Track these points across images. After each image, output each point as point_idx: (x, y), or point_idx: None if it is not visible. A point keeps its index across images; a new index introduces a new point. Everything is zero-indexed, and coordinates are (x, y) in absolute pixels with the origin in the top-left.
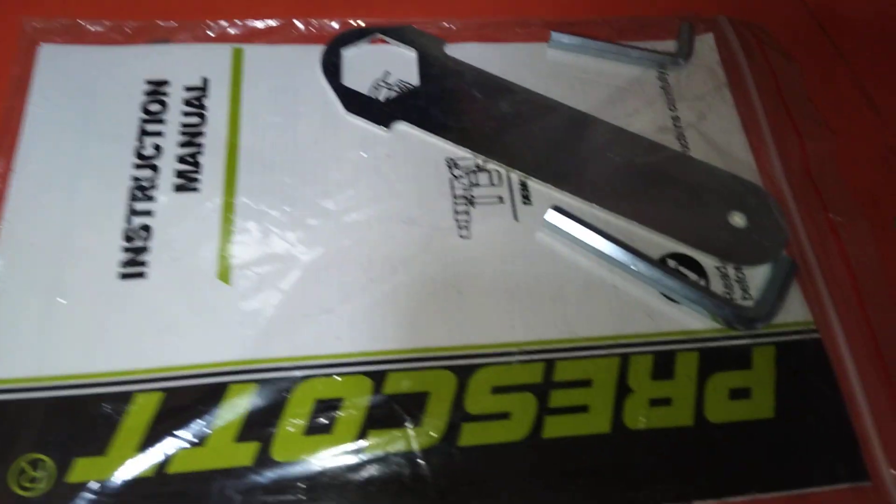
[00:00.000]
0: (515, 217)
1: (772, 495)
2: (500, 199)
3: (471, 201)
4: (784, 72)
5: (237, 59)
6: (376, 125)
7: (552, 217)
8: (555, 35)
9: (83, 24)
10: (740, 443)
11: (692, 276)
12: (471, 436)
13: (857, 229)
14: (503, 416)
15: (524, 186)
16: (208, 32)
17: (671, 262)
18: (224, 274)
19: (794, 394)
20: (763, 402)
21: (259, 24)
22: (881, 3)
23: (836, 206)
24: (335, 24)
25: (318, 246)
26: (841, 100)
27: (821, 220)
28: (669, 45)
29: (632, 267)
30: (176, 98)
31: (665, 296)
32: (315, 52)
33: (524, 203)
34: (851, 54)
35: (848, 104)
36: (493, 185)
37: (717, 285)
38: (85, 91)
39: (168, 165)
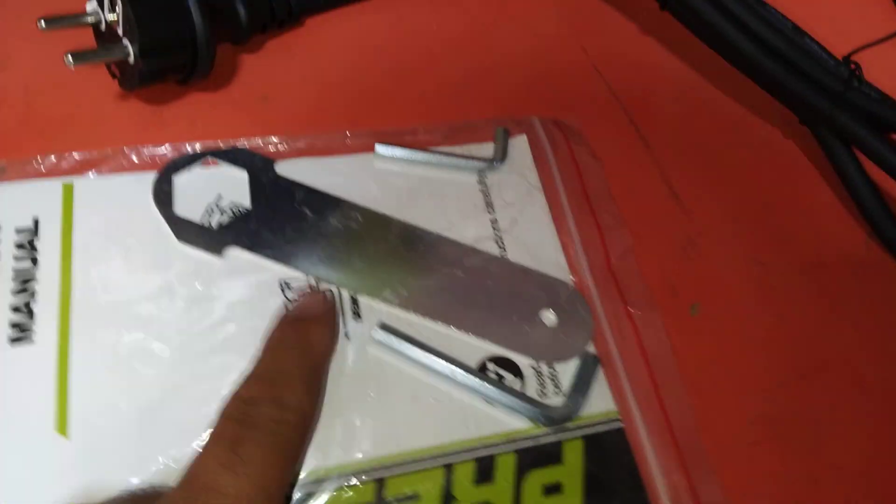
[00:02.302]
0: (347, 335)
1: None
2: None
3: None
4: (589, 168)
5: (68, 194)
6: (209, 252)
7: (379, 335)
8: (379, 147)
9: None
10: None
11: (510, 377)
12: None
13: (651, 320)
14: None
15: (354, 301)
16: (40, 167)
17: (491, 366)
18: (62, 426)
19: (600, 484)
20: (572, 495)
21: (89, 156)
22: (688, 101)
23: (633, 298)
24: (165, 150)
25: (153, 389)
26: (647, 192)
27: (620, 313)
28: (490, 148)
29: (452, 378)
30: (8, 243)
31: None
32: (147, 180)
33: (354, 319)
34: (658, 147)
35: (653, 196)
36: None
37: (532, 384)
38: None
39: (2, 316)
